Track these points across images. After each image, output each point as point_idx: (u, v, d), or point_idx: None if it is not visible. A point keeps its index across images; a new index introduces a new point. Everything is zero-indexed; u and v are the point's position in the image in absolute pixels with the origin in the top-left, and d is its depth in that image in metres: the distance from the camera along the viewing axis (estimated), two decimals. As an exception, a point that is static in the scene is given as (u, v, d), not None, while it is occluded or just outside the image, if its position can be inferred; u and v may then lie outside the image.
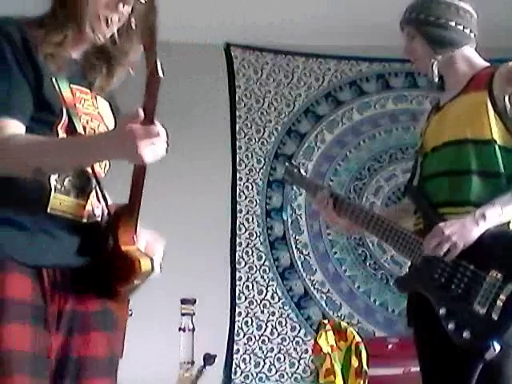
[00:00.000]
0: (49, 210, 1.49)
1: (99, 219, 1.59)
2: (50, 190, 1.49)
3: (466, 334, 1.97)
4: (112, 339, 1.60)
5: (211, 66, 4.76)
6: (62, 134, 1.52)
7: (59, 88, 1.53)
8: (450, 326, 2.01)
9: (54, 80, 1.53)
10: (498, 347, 1.92)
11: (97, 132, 1.60)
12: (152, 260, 1.52)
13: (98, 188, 1.59)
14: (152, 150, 1.37)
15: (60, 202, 1.51)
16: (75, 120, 1.54)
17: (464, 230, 2.03)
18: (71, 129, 1.53)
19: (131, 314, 1.70)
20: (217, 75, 4.79)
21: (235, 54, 4.88)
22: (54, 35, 1.54)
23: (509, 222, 2.08)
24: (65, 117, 1.52)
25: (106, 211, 1.60)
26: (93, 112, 1.62)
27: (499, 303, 1.94)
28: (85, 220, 1.55)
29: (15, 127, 1.47)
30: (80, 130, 1.54)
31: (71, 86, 1.57)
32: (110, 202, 1.61)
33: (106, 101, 1.69)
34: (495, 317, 1.94)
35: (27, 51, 1.50)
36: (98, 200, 1.60)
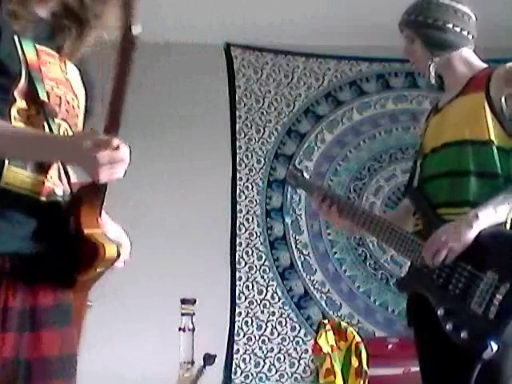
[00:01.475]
0: (1, 184, 1.33)
1: (60, 199, 1.43)
2: (4, 161, 1.34)
3: (463, 334, 1.98)
4: (66, 336, 1.42)
5: (211, 66, 4.76)
6: (19, 100, 1.37)
7: (22, 48, 1.38)
8: (448, 326, 2.02)
9: (16, 39, 1.38)
10: (495, 347, 1.93)
11: (63, 100, 1.45)
12: (118, 246, 1.37)
13: (59, 164, 1.44)
14: (111, 173, 1.30)
15: (14, 175, 1.35)
16: (38, 85, 1.38)
17: (459, 234, 2.04)
18: (32, 94, 1.38)
19: (91, 306, 1.54)
20: (217, 75, 4.79)
21: (235, 54, 4.88)
22: None
23: (505, 223, 2.08)
24: (23, 80, 1.37)
25: (68, 190, 1.45)
26: (59, 77, 1.47)
27: (496, 303, 1.95)
28: (43, 198, 1.39)
29: None
30: (43, 96, 1.39)
31: (37, 47, 1.42)
32: (73, 180, 1.46)
33: (76, 67, 1.54)
34: (492, 316, 1.95)
35: None
36: (60, 178, 1.45)
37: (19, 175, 1.35)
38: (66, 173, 1.44)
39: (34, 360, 1.34)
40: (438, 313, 2.05)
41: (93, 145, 1.27)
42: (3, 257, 1.32)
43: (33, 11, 1.44)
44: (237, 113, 4.82)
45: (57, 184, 1.43)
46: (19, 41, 1.38)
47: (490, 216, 2.05)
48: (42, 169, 1.39)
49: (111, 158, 1.28)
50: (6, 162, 1.34)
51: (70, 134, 1.47)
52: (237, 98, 4.84)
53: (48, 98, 1.41)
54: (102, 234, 1.38)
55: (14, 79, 1.36)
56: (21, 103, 1.37)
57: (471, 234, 2.04)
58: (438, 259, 2.06)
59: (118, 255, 1.36)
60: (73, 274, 1.38)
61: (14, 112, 1.37)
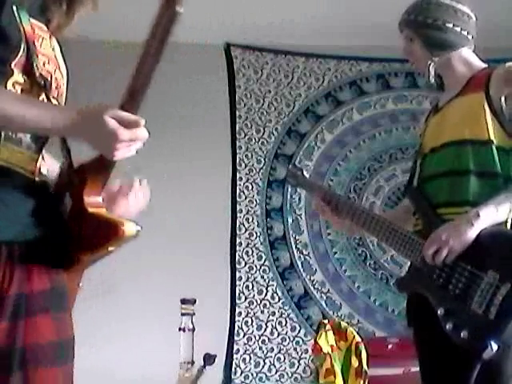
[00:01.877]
0: None
1: (46, 178, 1.37)
2: (0, 136, 1.27)
3: (463, 334, 1.98)
4: (62, 320, 1.37)
5: (211, 65, 4.76)
6: (17, 73, 1.30)
7: (20, 20, 1.32)
8: (448, 325, 2.01)
9: (15, 9, 1.32)
10: (495, 347, 1.92)
11: (53, 76, 1.39)
12: (136, 223, 1.31)
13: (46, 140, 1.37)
14: (126, 152, 1.25)
15: (11, 152, 1.29)
16: (34, 59, 1.32)
17: (459, 233, 2.04)
18: (29, 68, 1.31)
19: (81, 287, 1.49)
20: (217, 75, 4.79)
21: (235, 54, 4.88)
22: None
23: (506, 222, 2.08)
24: (22, 53, 1.31)
25: (52, 168, 1.38)
26: (49, 53, 1.41)
27: (496, 303, 1.95)
28: (37, 178, 1.34)
29: None
30: (37, 71, 1.33)
31: (31, 20, 1.36)
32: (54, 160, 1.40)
33: (58, 44, 1.47)
34: (492, 317, 1.95)
35: None
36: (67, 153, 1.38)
37: (15, 152, 1.30)
38: (67, 148, 1.38)
39: (30, 346, 1.30)
40: (438, 312, 2.05)
41: (116, 121, 1.21)
42: (0, 244, 1.28)
43: None
44: (237, 113, 4.82)
45: (42, 163, 1.38)
46: (18, 11, 1.33)
47: (492, 215, 2.05)
48: (37, 145, 1.34)
49: (133, 135, 1.23)
50: (2, 137, 1.27)
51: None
52: (237, 98, 4.84)
53: (40, 74, 1.35)
54: (108, 212, 1.34)
55: (13, 50, 1.30)
56: (18, 76, 1.31)
57: (472, 233, 2.03)
58: (439, 258, 2.06)
59: (138, 232, 1.31)
60: (77, 254, 1.33)
61: (9, 85, 1.30)
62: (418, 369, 2.29)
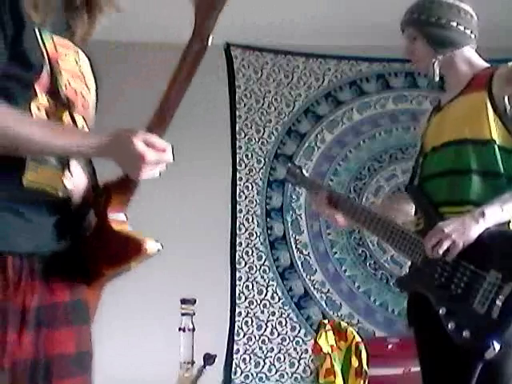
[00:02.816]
0: (24, 183, 1.30)
1: (71, 194, 1.40)
2: (25, 158, 1.30)
3: (465, 334, 1.97)
4: (82, 333, 1.42)
5: (211, 66, 4.74)
6: (40, 94, 1.33)
7: (42, 40, 1.34)
8: (450, 325, 2.01)
9: (36, 31, 1.34)
10: (497, 346, 1.92)
11: (78, 94, 1.41)
12: (157, 241, 1.37)
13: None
14: (151, 173, 1.32)
15: (37, 171, 1.32)
16: (58, 79, 1.35)
17: (464, 228, 2.03)
18: (52, 89, 1.35)
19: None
20: (217, 75, 4.78)
21: (235, 54, 4.88)
22: None
23: (509, 222, 2.08)
24: (44, 74, 1.33)
25: (79, 182, 1.41)
26: (74, 70, 1.42)
27: (498, 303, 1.94)
28: (61, 194, 1.36)
29: None
30: (61, 91, 1.36)
31: (53, 37, 1.38)
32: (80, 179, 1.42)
33: (87, 56, 1.49)
34: (495, 316, 1.94)
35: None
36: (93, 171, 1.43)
37: (40, 171, 1.33)
38: (92, 167, 1.43)
39: (54, 358, 1.34)
40: (440, 312, 2.04)
41: (144, 144, 1.27)
42: (21, 257, 1.31)
43: (52, 2, 1.40)
44: (237, 113, 4.82)
45: (68, 177, 1.40)
46: (40, 33, 1.35)
47: (497, 214, 2.04)
48: (62, 164, 1.37)
49: (159, 158, 1.29)
50: (28, 158, 1.30)
51: (86, 129, 1.44)
52: (237, 98, 4.84)
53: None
54: (132, 230, 1.39)
55: (36, 73, 1.33)
56: (41, 98, 1.34)
57: (476, 231, 2.03)
58: (440, 250, 2.05)
59: (158, 250, 1.37)
60: (100, 269, 1.38)
61: (33, 107, 1.33)
62: (418, 369, 2.28)
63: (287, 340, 4.56)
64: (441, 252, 2.05)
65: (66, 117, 1.38)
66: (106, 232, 1.36)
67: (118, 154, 1.30)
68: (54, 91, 1.35)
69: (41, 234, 1.33)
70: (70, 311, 1.38)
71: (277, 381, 4.51)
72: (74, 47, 1.45)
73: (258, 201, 4.73)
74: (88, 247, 1.37)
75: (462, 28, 2.27)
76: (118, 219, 1.38)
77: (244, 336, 4.55)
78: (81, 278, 1.40)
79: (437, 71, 2.28)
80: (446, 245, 2.04)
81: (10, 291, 1.28)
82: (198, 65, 1.33)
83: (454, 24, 2.26)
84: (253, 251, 4.66)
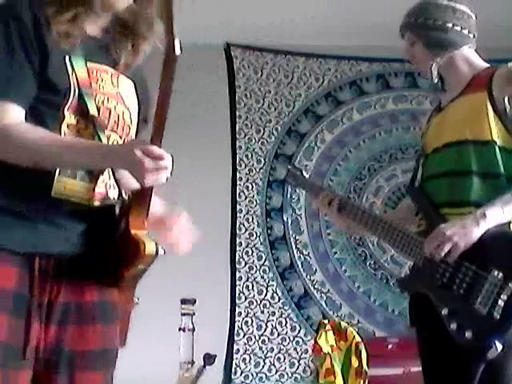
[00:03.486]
0: (53, 195, 1.46)
1: (114, 202, 1.56)
2: (54, 172, 1.45)
3: (467, 334, 1.98)
4: (109, 331, 1.57)
5: (211, 66, 4.76)
6: (69, 116, 1.48)
7: (72, 67, 1.48)
8: (452, 325, 2.01)
9: (66, 59, 1.48)
10: (500, 346, 1.93)
11: (112, 112, 1.55)
12: (157, 244, 1.48)
13: (110, 169, 1.54)
14: (155, 179, 1.42)
15: (65, 185, 1.47)
16: (88, 100, 1.49)
17: (465, 230, 2.03)
18: (82, 110, 1.49)
19: (138, 303, 1.68)
20: (217, 75, 4.79)
21: (235, 54, 4.88)
22: (65, 12, 1.49)
23: (509, 223, 2.08)
24: (72, 97, 1.47)
25: (123, 193, 1.56)
26: (110, 91, 1.56)
27: (500, 303, 1.95)
28: (97, 203, 1.51)
29: (12, 110, 1.44)
30: (93, 110, 1.50)
31: (88, 63, 1.52)
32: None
33: (130, 80, 1.63)
34: (497, 316, 1.95)
35: (37, 30, 1.45)
36: (115, 181, 1.56)
37: (69, 185, 1.47)
38: (115, 178, 1.55)
39: (78, 352, 1.49)
40: (442, 312, 2.05)
41: (142, 152, 1.39)
42: (48, 257, 1.46)
43: (83, 30, 1.53)
44: (237, 113, 4.82)
45: (109, 187, 1.55)
46: (70, 59, 1.48)
47: (498, 215, 2.05)
48: (92, 177, 1.51)
49: (156, 165, 1.40)
50: (57, 172, 1.45)
51: (120, 143, 1.57)
52: (237, 98, 4.84)
53: (98, 111, 1.51)
54: (146, 233, 1.48)
55: (63, 96, 1.47)
56: (70, 119, 1.48)
57: (477, 232, 2.03)
58: (441, 253, 2.05)
59: (157, 253, 1.47)
60: (117, 272, 1.49)
61: (64, 127, 1.48)
62: (418, 369, 2.29)
63: (287, 340, 4.56)
64: (442, 254, 2.05)
65: (95, 135, 1.51)
66: (127, 236, 1.47)
67: (123, 163, 1.44)
68: (82, 111, 1.49)
69: (68, 239, 1.48)
70: (97, 310, 1.53)
71: (277, 381, 4.51)
72: (111, 71, 1.58)
73: (258, 201, 4.73)
74: (113, 251, 1.49)
75: (458, 28, 2.27)
76: (136, 223, 1.48)
77: (244, 336, 4.55)
78: (109, 280, 1.52)
79: (435, 73, 2.29)
80: (447, 247, 2.04)
81: (34, 288, 1.44)
82: (172, 73, 1.41)
83: (450, 25, 2.27)
84: (253, 251, 4.66)
